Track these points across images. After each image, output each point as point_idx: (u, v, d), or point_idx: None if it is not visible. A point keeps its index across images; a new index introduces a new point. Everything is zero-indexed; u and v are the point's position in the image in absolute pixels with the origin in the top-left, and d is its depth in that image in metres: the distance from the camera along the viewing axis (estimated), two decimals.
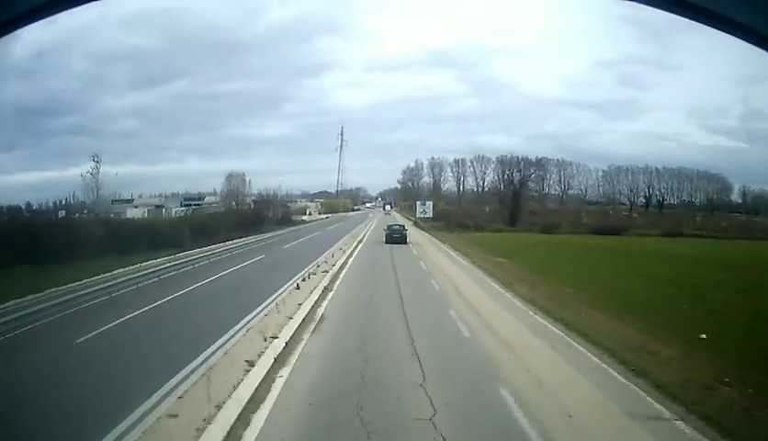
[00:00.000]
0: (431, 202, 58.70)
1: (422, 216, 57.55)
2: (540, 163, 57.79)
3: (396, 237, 39.70)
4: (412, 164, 62.98)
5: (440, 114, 68.28)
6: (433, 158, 62.32)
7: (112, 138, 48.87)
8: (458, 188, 62.40)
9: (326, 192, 65.98)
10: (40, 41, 31.63)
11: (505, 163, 58.01)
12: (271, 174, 54.73)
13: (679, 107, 66.94)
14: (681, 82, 62.54)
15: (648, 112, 64.68)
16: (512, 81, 69.95)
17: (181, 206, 50.73)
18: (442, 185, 62.25)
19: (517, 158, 57.68)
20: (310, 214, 62.63)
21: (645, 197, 56.23)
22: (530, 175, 58.83)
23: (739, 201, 54.56)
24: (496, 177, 60.20)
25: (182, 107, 56.21)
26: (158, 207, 50.03)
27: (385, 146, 68.97)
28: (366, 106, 66.97)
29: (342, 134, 60.60)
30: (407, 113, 72.67)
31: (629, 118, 67.53)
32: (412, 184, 64.29)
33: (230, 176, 52.33)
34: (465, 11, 72.27)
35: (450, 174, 61.78)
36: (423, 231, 51.76)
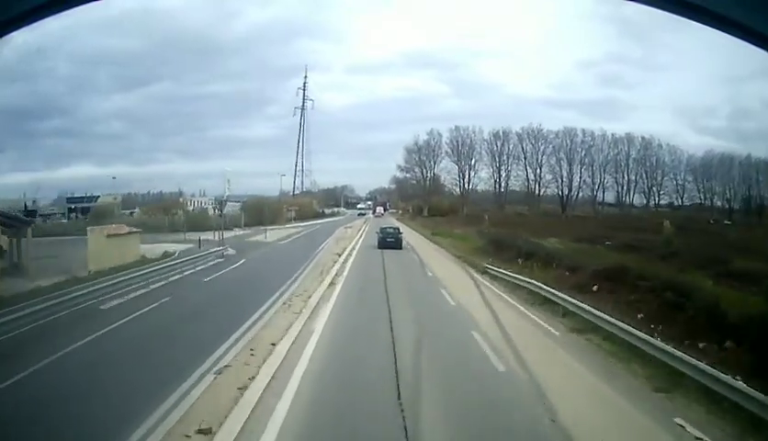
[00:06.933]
0: None
1: None
2: None
3: (390, 241, 29.27)
4: (423, 137, 38.17)
5: (425, 114, 64.97)
6: (457, 127, 37.04)
7: (100, 140, 47.29)
8: (497, 186, 35.56)
9: (309, 192, 50.66)
10: (27, 45, 30.98)
11: None
12: (259, 175, 50.56)
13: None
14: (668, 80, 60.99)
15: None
16: (495, 82, 68.89)
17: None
18: (471, 174, 35.51)
19: None
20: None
21: (744, 198, 38.57)
22: None
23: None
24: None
25: (168, 109, 55.43)
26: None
27: (370, 147, 66.18)
28: (349, 107, 65.70)
29: (305, 87, 36.95)
30: (391, 114, 71.08)
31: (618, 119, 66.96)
32: (422, 171, 39.46)
33: None
34: (446, 12, 72.18)
35: (485, 155, 35.65)
36: None
